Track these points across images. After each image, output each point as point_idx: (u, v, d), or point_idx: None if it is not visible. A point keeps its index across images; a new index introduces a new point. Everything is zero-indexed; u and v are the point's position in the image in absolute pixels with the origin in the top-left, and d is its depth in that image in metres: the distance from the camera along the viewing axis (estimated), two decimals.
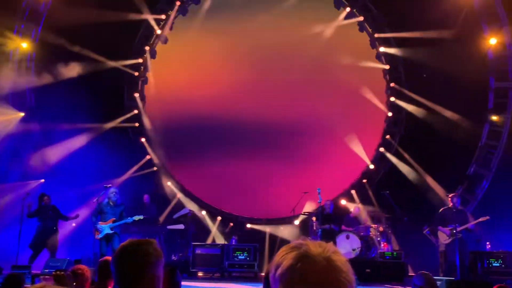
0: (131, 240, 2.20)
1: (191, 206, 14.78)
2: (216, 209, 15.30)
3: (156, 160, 15.30)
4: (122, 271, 2.07)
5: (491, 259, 11.48)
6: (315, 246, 1.34)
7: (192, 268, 11.73)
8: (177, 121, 14.81)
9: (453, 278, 8.49)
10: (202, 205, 15.31)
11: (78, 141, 13.83)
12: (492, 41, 12.86)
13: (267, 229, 14.93)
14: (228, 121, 14.79)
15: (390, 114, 14.91)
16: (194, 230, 13.39)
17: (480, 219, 10.19)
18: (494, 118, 13.36)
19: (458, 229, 9.73)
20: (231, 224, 15.11)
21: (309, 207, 13.20)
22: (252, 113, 14.80)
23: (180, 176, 15.58)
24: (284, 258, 1.34)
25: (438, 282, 7.39)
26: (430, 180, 13.67)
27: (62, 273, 4.69)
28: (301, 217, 13.94)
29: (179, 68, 15.12)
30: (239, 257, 11.85)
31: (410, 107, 14.40)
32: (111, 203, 10.25)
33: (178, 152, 15.30)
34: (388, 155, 14.90)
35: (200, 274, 11.87)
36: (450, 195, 10.93)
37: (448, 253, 10.06)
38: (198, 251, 11.89)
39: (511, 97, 13.13)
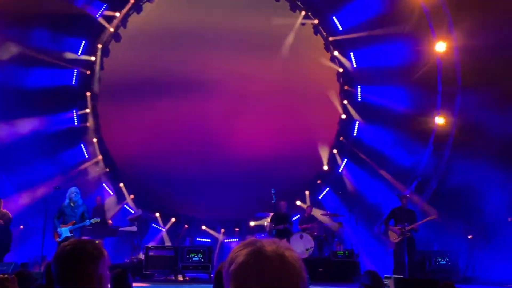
0: (71, 240, 2.18)
1: (144, 207, 14.55)
2: (170, 210, 15.12)
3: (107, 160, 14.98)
4: (60, 271, 2.05)
5: (438, 258, 11.94)
6: (269, 243, 1.36)
7: (145, 270, 11.53)
8: (132, 122, 14.57)
9: (402, 276, 8.76)
10: (156, 207, 15.10)
11: (22, 135, 13.22)
12: (441, 45, 13.32)
13: (222, 230, 14.93)
14: (183, 121, 14.69)
15: (343, 116, 15.25)
16: (147, 231, 13.17)
17: (428, 218, 10.57)
18: (440, 121, 13.88)
19: (407, 228, 10.05)
20: (186, 226, 14.98)
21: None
22: (207, 114, 14.75)
23: (133, 177, 15.30)
24: (237, 254, 1.35)
25: (388, 280, 7.60)
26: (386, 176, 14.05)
27: (6, 276, 4.51)
28: (256, 218, 14.02)
29: (132, 67, 14.82)
30: (193, 258, 11.74)
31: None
32: (72, 204, 9.83)
33: (132, 153, 15.01)
34: (338, 157, 15.28)
35: (153, 276, 11.70)
36: (400, 195, 11.27)
37: (397, 252, 10.36)
38: (151, 253, 11.69)
39: (458, 101, 13.65)
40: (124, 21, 14.88)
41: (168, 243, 14.15)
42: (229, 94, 14.94)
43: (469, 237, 12.47)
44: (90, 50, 14.67)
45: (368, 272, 4.63)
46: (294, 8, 15.08)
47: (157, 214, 14.77)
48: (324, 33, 15.11)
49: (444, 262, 11.85)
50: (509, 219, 12.34)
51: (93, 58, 14.73)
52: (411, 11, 13.45)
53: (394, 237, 10.53)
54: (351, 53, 14.91)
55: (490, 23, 11.58)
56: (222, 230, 14.97)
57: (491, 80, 12.21)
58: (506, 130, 11.75)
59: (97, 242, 2.17)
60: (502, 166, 12.00)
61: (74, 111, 14.63)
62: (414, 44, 13.71)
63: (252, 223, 14.62)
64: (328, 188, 15.33)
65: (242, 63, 14.79)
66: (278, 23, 14.90)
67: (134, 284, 7.53)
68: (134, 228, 12.58)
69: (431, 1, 13.18)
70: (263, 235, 13.60)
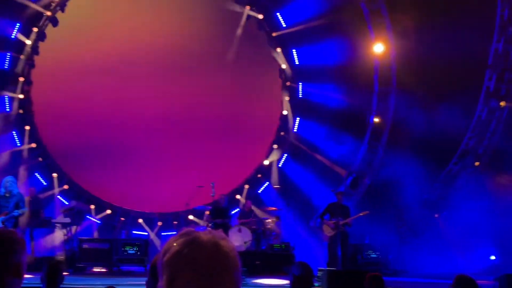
0: None
1: (78, 199, 14.12)
2: (105, 202, 14.74)
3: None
4: None
5: (369, 251, 12.45)
6: (205, 233, 1.37)
7: (78, 263, 11.21)
8: (66, 110, 14.04)
9: (334, 269, 9.06)
10: (90, 198, 14.67)
11: None
12: (378, 46, 13.82)
13: (159, 223, 14.76)
14: (120, 112, 14.33)
15: (285, 112, 15.49)
16: (81, 224, 12.79)
17: (361, 214, 10.97)
18: (376, 120, 14.44)
19: (341, 222, 10.39)
20: (122, 218, 14.69)
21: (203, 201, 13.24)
22: (145, 105, 14.47)
23: (67, 168, 14.77)
24: (172, 244, 1.35)
25: (321, 272, 7.85)
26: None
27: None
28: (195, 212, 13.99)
29: (69, 52, 14.26)
30: (129, 251, 11.55)
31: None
32: (6, 194, 9.33)
33: (67, 142, 14.47)
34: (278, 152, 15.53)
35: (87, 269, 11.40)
36: (336, 192, 11.61)
37: (331, 245, 10.68)
38: (85, 246, 11.38)
39: (392, 102, 14.25)
40: (62, 5, 14.28)
41: (103, 236, 13.80)
42: (169, 85, 14.72)
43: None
44: (25, 33, 13.99)
45: (298, 263, 4.72)
46: (239, 1, 15.10)
47: (92, 206, 14.36)
48: (268, 29, 15.24)
49: (375, 255, 12.37)
50: (436, 216, 13.06)
51: (28, 42, 14.05)
52: (352, 11, 13.86)
53: (328, 231, 10.85)
54: (294, 50, 15.15)
55: (425, 26, 12.16)
56: (159, 223, 14.80)
57: (422, 82, 12.84)
58: (431, 129, 12.43)
59: (13, 231, 2.14)
60: (428, 165, 12.69)
61: (6, 96, 13.91)
62: (354, 44, 14.15)
63: (190, 217, 14.58)
64: (267, 183, 15.53)
65: (185, 54, 14.64)
66: (225, 16, 14.89)
67: (66, 277, 7.33)
68: (67, 220, 12.18)
69: (371, 3, 13.64)
70: (201, 228, 13.59)
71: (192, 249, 1.31)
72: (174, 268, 1.31)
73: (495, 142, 13.07)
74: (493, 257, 12.66)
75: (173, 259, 1.32)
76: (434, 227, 13.56)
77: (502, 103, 12.94)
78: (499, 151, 12.83)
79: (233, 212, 14.18)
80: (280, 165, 15.60)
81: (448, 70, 12.57)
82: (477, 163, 13.20)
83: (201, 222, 12.59)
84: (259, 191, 15.60)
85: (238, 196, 15.08)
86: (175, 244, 1.35)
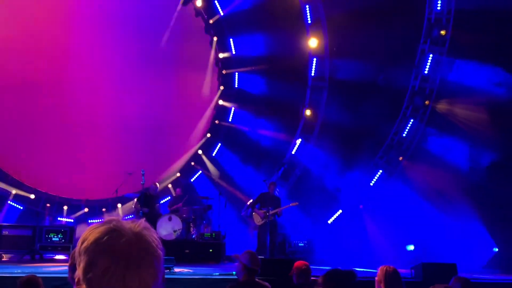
0: None
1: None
2: (29, 187, 14.06)
3: None
4: None
5: (297, 240, 12.79)
6: (126, 222, 1.35)
7: None
8: None
9: (263, 257, 9.23)
10: (13, 182, 13.95)
11: None
12: (313, 41, 14.12)
13: (85, 209, 14.32)
14: (48, 92, 13.71)
15: (220, 102, 15.49)
16: (1, 209, 12.15)
17: (290, 205, 11.21)
18: (308, 113, 14.79)
19: (271, 212, 10.58)
20: (48, 204, 14.09)
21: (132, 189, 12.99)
22: (78, 87, 13.95)
23: None
24: (91, 232, 1.33)
25: None
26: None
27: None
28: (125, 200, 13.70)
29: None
30: (53, 239, 11.14)
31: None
32: None
33: None
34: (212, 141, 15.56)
35: (5, 256, 10.86)
36: (268, 182, 11.77)
37: (261, 234, 10.87)
38: (5, 232, 10.85)
39: (325, 95, 14.63)
40: None
41: (26, 222, 13.17)
42: (97, 69, 14.26)
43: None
44: None
45: (246, 252, 4.78)
46: None
47: (13, 191, 13.65)
48: (205, 16, 15.11)
49: (302, 244, 12.74)
50: (361, 206, 13.60)
51: None
52: (290, 4, 14.06)
53: (258, 220, 11.02)
54: (231, 40, 15.15)
55: (359, 23, 12.57)
56: (86, 209, 14.35)
57: (354, 77, 13.27)
58: (360, 123, 12.95)
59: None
60: (352, 158, 13.22)
61: None
62: (290, 37, 14.37)
63: (119, 205, 14.26)
64: (200, 171, 15.50)
65: (120, 40, 14.23)
66: (160, 3, 14.61)
67: None
68: None
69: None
70: (130, 216, 13.34)
71: (111, 237, 1.30)
72: (92, 255, 1.29)
73: (418, 138, 13.80)
74: (411, 247, 13.37)
75: (90, 246, 1.30)
76: (359, 217, 14.12)
77: (427, 102, 13.66)
78: (421, 147, 13.58)
79: (163, 201, 14.05)
80: (214, 154, 15.61)
81: (379, 67, 13.12)
82: (401, 158, 13.88)
83: (133, 207, 12.32)
84: (192, 180, 15.54)
85: (169, 185, 14.93)
86: (94, 232, 1.34)
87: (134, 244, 1.31)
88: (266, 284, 4.72)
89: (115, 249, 1.28)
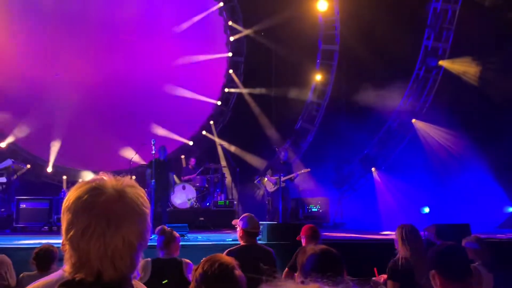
0: None
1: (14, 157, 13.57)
2: (44, 161, 14.26)
3: None
4: None
5: (311, 205, 12.84)
6: (110, 180, 1.33)
7: (16, 223, 10.91)
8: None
9: (275, 222, 9.30)
10: (28, 156, 14.15)
11: None
12: (322, 3, 13.79)
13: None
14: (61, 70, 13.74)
15: (230, 71, 15.38)
16: (18, 183, 12.34)
17: (303, 171, 11.20)
18: (319, 78, 14.59)
19: (282, 178, 10.59)
20: (64, 177, 14.28)
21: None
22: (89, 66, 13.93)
23: (3, 125, 14.09)
24: (74, 191, 1.32)
25: (261, 226, 8.03)
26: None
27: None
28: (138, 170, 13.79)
29: None
30: None
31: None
32: None
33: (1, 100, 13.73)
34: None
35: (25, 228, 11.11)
36: (278, 148, 11.76)
37: (273, 200, 10.93)
38: (22, 205, 11.05)
39: (336, 59, 14.40)
40: None
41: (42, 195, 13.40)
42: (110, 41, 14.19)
43: None
44: None
45: (245, 216, 4.81)
46: None
47: (28, 166, 13.83)
48: (226, 16, 14.98)
49: (316, 210, 12.78)
50: (373, 169, 13.54)
51: None
52: None
53: (270, 187, 11.07)
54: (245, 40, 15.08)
55: None
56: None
57: (368, 41, 12.97)
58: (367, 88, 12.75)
59: None
60: (364, 123, 13.06)
61: None
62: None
63: (133, 176, 14.34)
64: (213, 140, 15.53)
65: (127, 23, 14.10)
66: None
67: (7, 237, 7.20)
68: (3, 179, 11.76)
69: None
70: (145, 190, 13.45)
71: (92, 195, 1.28)
72: (73, 213, 1.28)
73: (431, 99, 13.58)
74: (426, 210, 13.35)
75: (71, 205, 1.29)
76: (371, 182, 14.09)
77: (440, 62, 13.37)
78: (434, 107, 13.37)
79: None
80: (225, 123, 15.57)
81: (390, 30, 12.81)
82: (414, 120, 13.69)
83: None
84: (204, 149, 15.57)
85: (182, 156, 15.00)
86: (76, 191, 1.32)
87: (116, 201, 1.28)
88: (269, 249, 4.72)
89: (95, 207, 1.27)
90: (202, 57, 14.65)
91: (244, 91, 15.17)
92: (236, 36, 15.10)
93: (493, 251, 4.48)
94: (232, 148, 14.69)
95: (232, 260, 2.23)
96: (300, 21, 13.74)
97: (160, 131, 14.04)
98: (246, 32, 14.84)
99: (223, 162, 14.21)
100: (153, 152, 9.38)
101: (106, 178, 1.35)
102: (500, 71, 11.79)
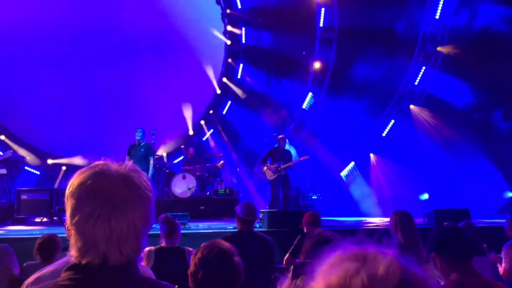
0: None
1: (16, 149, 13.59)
2: (45, 152, 14.26)
3: None
4: None
5: (311, 193, 12.88)
6: (114, 165, 1.33)
7: (17, 214, 10.93)
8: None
9: (275, 210, 9.34)
10: (29, 148, 14.15)
11: None
12: None
13: None
14: (64, 62, 13.72)
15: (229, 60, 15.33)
16: (18, 175, 12.35)
17: (302, 158, 11.20)
18: (317, 65, 14.54)
19: (282, 166, 10.58)
20: (64, 168, 14.32)
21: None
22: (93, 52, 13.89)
23: (3, 118, 14.09)
24: (77, 177, 1.31)
25: (262, 214, 8.08)
26: None
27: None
28: None
29: None
30: None
31: None
32: None
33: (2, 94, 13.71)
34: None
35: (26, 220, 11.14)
36: (278, 136, 11.72)
37: (273, 188, 10.93)
38: (23, 197, 11.07)
39: (334, 46, 14.32)
40: None
41: (43, 187, 13.42)
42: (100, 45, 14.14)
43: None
44: None
45: (242, 204, 4.81)
46: None
47: (28, 158, 13.83)
48: (223, 5, 14.89)
49: (316, 197, 12.83)
50: (372, 156, 13.54)
51: None
52: None
53: (270, 175, 11.05)
54: (243, 28, 14.88)
55: None
56: None
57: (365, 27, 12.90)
58: (371, 74, 12.69)
59: None
60: (364, 110, 13.05)
61: None
62: None
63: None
64: (212, 130, 15.50)
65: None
66: None
67: (8, 228, 7.25)
68: (3, 171, 11.75)
69: None
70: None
71: (96, 180, 1.28)
72: (77, 199, 1.27)
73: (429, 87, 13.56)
74: (425, 196, 13.39)
75: (75, 190, 1.29)
76: (371, 168, 14.12)
77: (439, 48, 13.33)
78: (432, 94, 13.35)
79: (176, 161, 14.17)
80: (224, 113, 15.56)
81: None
82: (412, 106, 13.69)
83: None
84: (204, 139, 15.58)
85: (181, 146, 15.01)
86: (80, 176, 1.33)
87: (120, 185, 1.29)
88: (266, 236, 4.72)
89: (100, 192, 1.27)
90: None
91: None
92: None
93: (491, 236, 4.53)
94: (230, 137, 14.70)
95: (231, 246, 2.27)
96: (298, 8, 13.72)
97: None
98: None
99: (222, 151, 14.22)
100: (153, 141, 9.35)
101: (109, 163, 1.35)
102: None
